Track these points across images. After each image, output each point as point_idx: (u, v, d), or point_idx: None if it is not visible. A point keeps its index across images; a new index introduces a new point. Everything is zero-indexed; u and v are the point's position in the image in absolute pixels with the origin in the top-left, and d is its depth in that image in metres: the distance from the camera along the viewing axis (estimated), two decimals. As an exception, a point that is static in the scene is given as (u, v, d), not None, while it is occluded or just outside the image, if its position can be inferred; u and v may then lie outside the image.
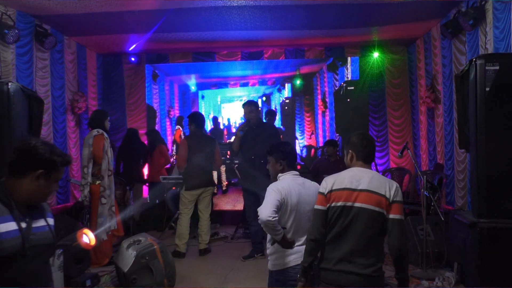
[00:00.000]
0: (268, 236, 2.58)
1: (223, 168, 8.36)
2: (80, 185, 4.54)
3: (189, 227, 5.05)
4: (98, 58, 7.08)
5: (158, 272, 3.60)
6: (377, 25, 5.96)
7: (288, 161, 2.71)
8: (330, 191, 2.24)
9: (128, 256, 3.62)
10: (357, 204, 2.20)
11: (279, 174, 2.70)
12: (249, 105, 4.95)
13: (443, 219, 4.24)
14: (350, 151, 2.37)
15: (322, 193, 2.29)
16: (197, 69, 9.45)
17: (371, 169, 2.38)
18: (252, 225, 4.82)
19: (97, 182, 4.47)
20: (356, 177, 2.25)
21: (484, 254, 3.32)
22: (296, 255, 2.50)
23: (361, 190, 2.21)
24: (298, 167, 6.93)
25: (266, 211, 2.40)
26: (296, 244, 2.53)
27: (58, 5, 4.71)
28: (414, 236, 4.44)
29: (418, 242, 4.36)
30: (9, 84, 3.66)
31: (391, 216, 2.18)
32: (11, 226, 1.63)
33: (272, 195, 2.49)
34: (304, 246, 2.54)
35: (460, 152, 4.99)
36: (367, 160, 2.35)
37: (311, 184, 2.68)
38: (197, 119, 5.24)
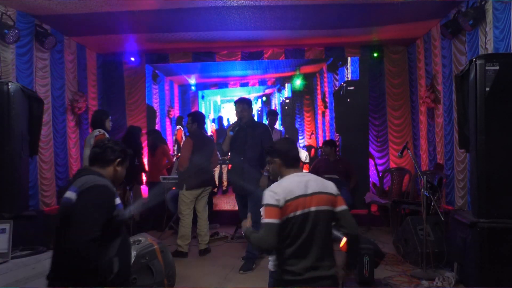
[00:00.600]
0: None
1: (225, 168, 8.37)
2: None
3: (191, 227, 5.05)
4: (98, 58, 7.08)
5: (158, 272, 3.60)
6: (377, 25, 5.96)
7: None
8: (286, 202, 2.16)
9: (128, 256, 3.62)
10: (313, 208, 2.19)
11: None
12: (241, 103, 4.66)
13: (443, 219, 4.24)
14: (276, 159, 2.37)
15: (276, 206, 2.16)
16: (197, 69, 9.45)
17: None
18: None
19: None
20: (302, 183, 2.24)
21: (484, 254, 3.33)
22: None
23: (313, 194, 2.21)
24: (307, 169, 6.89)
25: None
26: None
27: (58, 5, 4.71)
28: (414, 236, 4.44)
29: (418, 242, 4.36)
30: (9, 84, 3.67)
31: (340, 208, 2.26)
32: (118, 200, 2.18)
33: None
34: None
35: (460, 152, 4.99)
36: (295, 164, 2.36)
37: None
38: (199, 118, 5.23)
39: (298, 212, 2.16)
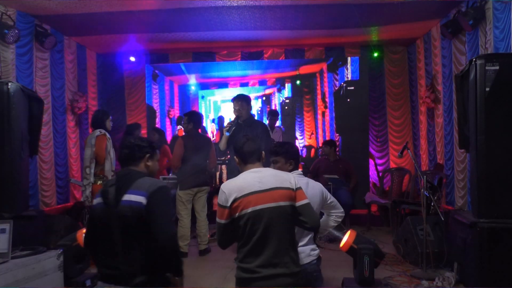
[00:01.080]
0: None
1: (225, 169, 8.36)
2: (82, 186, 4.54)
3: (190, 227, 5.05)
4: (98, 58, 7.08)
5: (158, 272, 3.60)
6: (377, 25, 5.96)
7: (298, 160, 2.73)
8: (234, 201, 2.13)
9: (128, 256, 3.62)
10: (269, 205, 2.12)
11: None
12: (239, 100, 4.46)
13: (443, 219, 4.24)
14: (235, 156, 2.38)
15: (223, 206, 2.16)
16: (197, 69, 9.45)
17: (262, 167, 2.34)
18: None
19: (99, 182, 4.47)
20: (256, 179, 2.18)
21: (484, 254, 3.33)
22: (301, 255, 2.50)
23: (268, 190, 2.15)
24: (300, 168, 6.91)
25: None
26: (299, 244, 2.53)
27: (58, 5, 4.71)
28: (414, 236, 4.44)
29: (418, 242, 4.36)
30: (9, 84, 3.67)
31: (300, 202, 2.18)
32: None
33: None
34: (307, 247, 2.56)
35: (460, 152, 4.99)
36: (250, 160, 2.30)
37: (315, 184, 2.68)
38: (196, 118, 5.20)
39: (249, 210, 2.10)
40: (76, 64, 6.26)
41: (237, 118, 4.48)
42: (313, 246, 2.64)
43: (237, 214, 2.13)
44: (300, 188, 2.23)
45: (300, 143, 11.31)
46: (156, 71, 8.75)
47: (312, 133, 11.30)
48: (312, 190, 2.62)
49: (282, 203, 2.14)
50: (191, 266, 4.61)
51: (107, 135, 4.56)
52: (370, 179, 7.12)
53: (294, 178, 2.24)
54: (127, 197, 2.11)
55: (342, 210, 2.81)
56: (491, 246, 3.31)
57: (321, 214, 2.81)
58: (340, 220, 2.82)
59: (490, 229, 3.32)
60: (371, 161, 7.15)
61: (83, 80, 6.51)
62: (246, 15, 5.34)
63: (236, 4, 4.94)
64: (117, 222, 2.08)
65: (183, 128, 5.33)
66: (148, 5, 4.95)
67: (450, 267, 4.07)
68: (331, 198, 2.75)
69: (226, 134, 4.38)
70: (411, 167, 6.65)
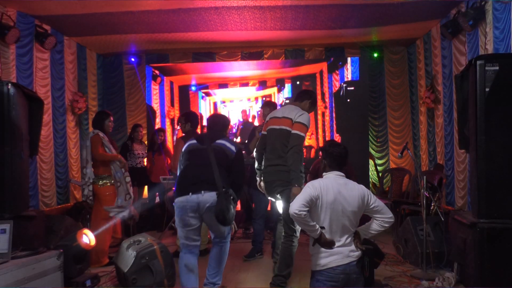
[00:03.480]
0: (310, 237, 2.60)
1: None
2: (81, 186, 4.55)
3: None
4: (98, 58, 7.08)
5: (158, 272, 3.60)
6: (377, 25, 5.96)
7: (329, 161, 2.71)
8: None
9: (128, 256, 3.61)
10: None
11: (324, 173, 2.72)
12: (267, 107, 4.66)
13: (443, 219, 4.24)
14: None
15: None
16: (197, 69, 9.46)
17: None
18: (257, 223, 4.80)
19: (100, 183, 4.48)
20: None
21: (484, 254, 3.32)
22: (336, 256, 2.50)
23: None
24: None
25: (295, 204, 2.44)
26: (337, 245, 2.52)
27: (58, 5, 4.72)
28: (414, 236, 4.44)
29: (418, 242, 4.36)
30: (9, 84, 3.66)
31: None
32: None
33: (306, 190, 2.52)
34: (344, 248, 2.52)
35: (460, 152, 4.99)
36: None
37: (355, 186, 2.63)
38: (193, 118, 5.18)
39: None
40: (76, 65, 6.26)
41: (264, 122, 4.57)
42: (352, 248, 2.57)
43: None
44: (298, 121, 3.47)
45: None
46: (156, 71, 8.75)
47: (312, 133, 11.29)
48: (351, 191, 2.56)
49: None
50: (191, 266, 4.61)
51: (100, 134, 4.52)
52: (370, 179, 7.12)
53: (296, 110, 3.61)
54: (226, 144, 3.44)
55: (391, 215, 2.66)
56: (491, 246, 3.31)
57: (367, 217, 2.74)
58: (387, 225, 2.67)
59: (490, 229, 3.31)
60: (371, 161, 7.15)
61: (83, 81, 6.51)
62: (246, 15, 5.34)
63: (236, 4, 4.94)
64: (212, 154, 3.32)
65: (181, 129, 5.32)
66: (148, 5, 4.95)
67: (450, 267, 4.07)
68: (375, 203, 2.63)
69: (260, 134, 4.39)
70: (411, 167, 6.65)
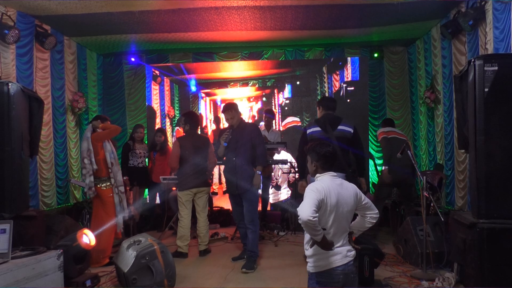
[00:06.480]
0: (305, 239, 2.56)
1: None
2: (82, 176, 4.62)
3: (190, 228, 5.05)
4: (98, 58, 7.09)
5: (158, 272, 3.60)
6: (377, 26, 5.96)
7: (322, 162, 2.64)
8: None
9: (128, 256, 3.62)
10: None
11: (317, 175, 2.65)
12: (229, 110, 4.68)
13: (443, 219, 4.23)
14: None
15: None
16: (197, 69, 9.46)
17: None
18: (240, 227, 4.85)
19: (103, 185, 4.50)
20: None
21: (484, 254, 3.33)
22: (339, 256, 2.50)
23: None
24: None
25: (306, 210, 2.31)
26: (336, 245, 2.52)
27: (58, 5, 4.72)
28: (414, 237, 4.44)
29: (418, 243, 4.36)
30: (9, 84, 3.67)
31: None
32: None
33: (312, 194, 2.42)
34: (343, 248, 2.53)
35: (460, 152, 4.99)
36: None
37: (348, 185, 2.63)
38: (192, 119, 5.19)
39: None
40: (76, 65, 6.27)
41: (231, 127, 4.70)
42: (349, 247, 2.59)
43: None
44: None
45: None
46: (156, 71, 8.75)
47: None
48: (346, 191, 2.56)
49: None
50: (191, 266, 4.62)
51: (97, 127, 4.64)
52: (370, 179, 7.12)
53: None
54: (345, 128, 4.19)
55: (377, 211, 2.73)
56: (491, 246, 3.31)
57: (355, 216, 2.77)
58: (374, 221, 2.73)
59: (489, 229, 3.31)
60: (371, 161, 7.15)
61: (83, 81, 6.51)
62: (246, 15, 5.34)
63: (236, 4, 4.94)
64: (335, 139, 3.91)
65: (181, 129, 5.35)
66: (148, 5, 4.95)
67: (450, 267, 4.07)
68: (365, 200, 2.66)
69: (224, 144, 4.64)
70: (411, 167, 6.64)
